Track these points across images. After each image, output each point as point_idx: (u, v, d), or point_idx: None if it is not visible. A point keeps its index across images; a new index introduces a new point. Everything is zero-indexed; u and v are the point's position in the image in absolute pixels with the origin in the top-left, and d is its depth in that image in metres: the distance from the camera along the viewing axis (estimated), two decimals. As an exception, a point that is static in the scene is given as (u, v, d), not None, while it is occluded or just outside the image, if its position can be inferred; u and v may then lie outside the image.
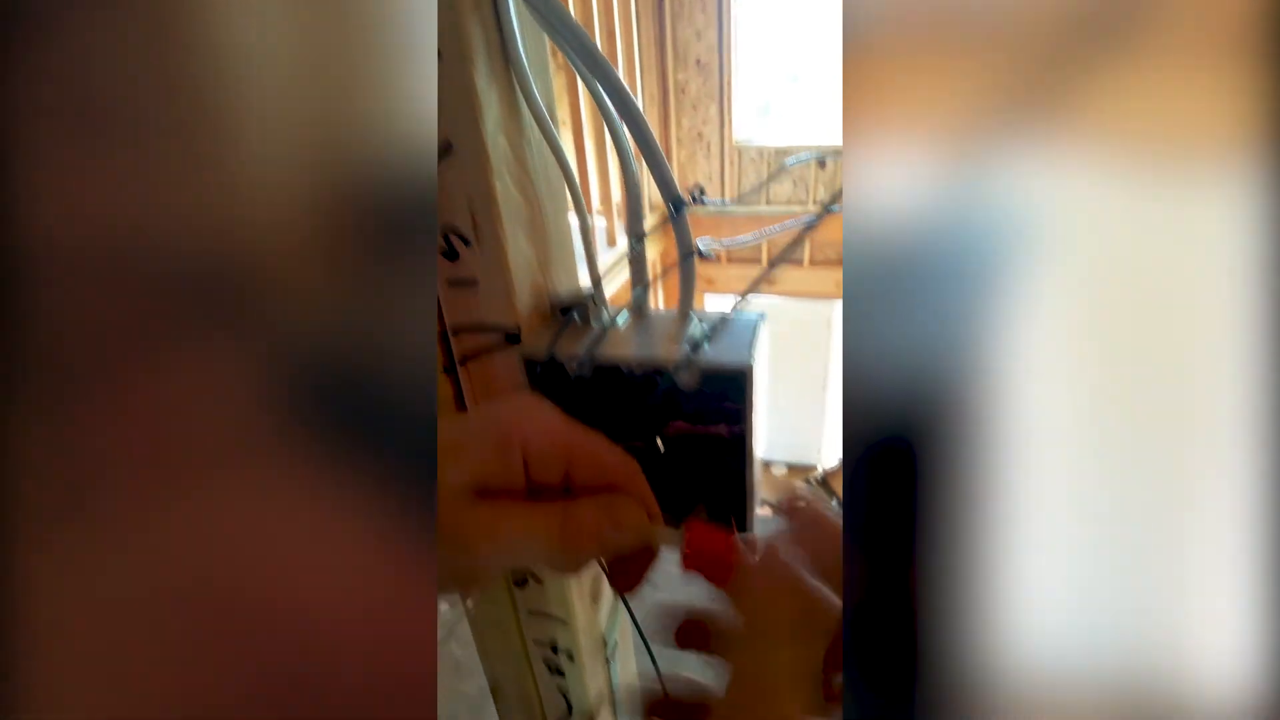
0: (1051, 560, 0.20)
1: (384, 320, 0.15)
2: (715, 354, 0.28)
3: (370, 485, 0.14)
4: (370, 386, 0.15)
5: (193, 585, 0.13)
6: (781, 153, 4.30)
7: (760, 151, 4.51)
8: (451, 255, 0.29)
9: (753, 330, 0.29)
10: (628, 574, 0.27)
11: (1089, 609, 0.20)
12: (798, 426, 5.10)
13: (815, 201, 4.11)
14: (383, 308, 0.15)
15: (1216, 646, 0.19)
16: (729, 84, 4.15)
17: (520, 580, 0.40)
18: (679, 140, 4.42)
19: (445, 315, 0.32)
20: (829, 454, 5.03)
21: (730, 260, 4.49)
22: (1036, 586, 0.20)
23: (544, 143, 0.34)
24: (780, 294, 4.46)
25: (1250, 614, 0.19)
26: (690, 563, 0.25)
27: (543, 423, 0.24)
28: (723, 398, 0.35)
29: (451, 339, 0.32)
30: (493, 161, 0.30)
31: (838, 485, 4.75)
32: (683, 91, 4.30)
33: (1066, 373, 0.20)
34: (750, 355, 0.27)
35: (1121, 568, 0.20)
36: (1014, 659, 0.21)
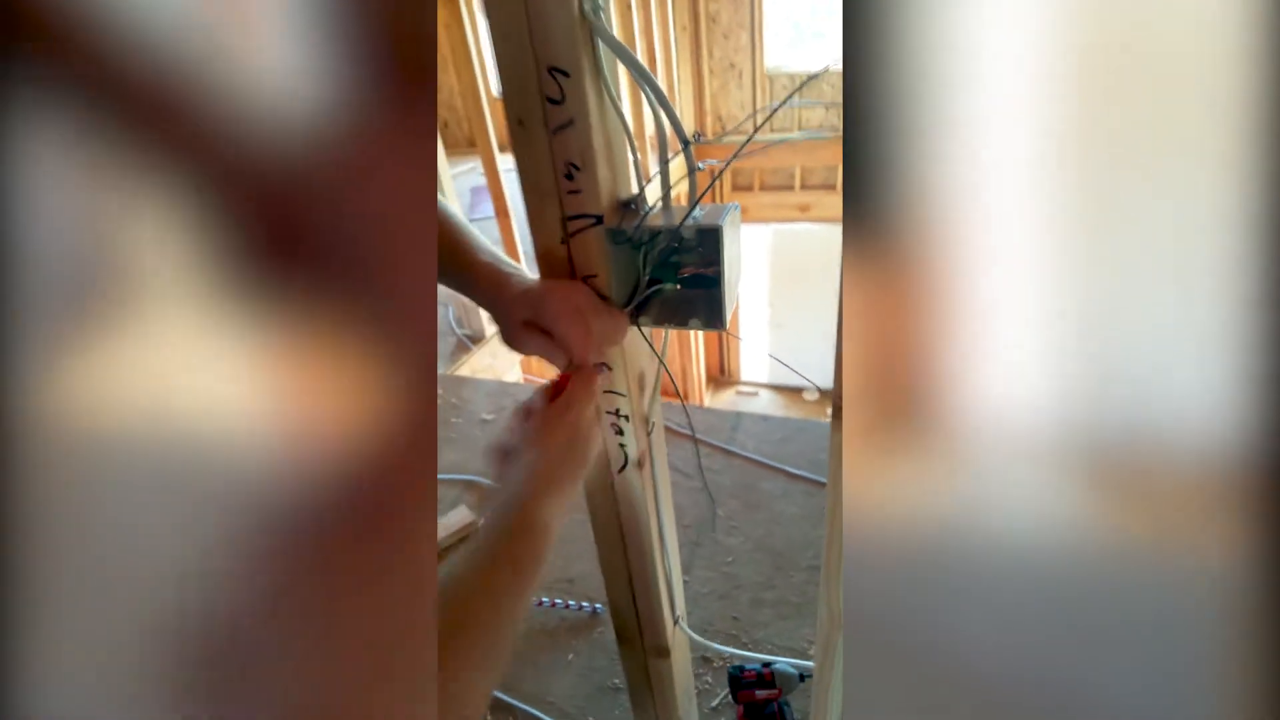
0: (1028, 312, 0.19)
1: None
2: (703, 221, 0.56)
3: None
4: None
5: None
6: (814, 79, 4.39)
7: (792, 78, 4.57)
8: (569, 176, 0.58)
9: (728, 212, 0.58)
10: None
11: (1066, 360, 0.19)
12: (828, 353, 5.30)
13: (843, 128, 4.20)
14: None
15: (1184, 403, 0.18)
16: (760, 11, 4.23)
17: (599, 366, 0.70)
18: (711, 70, 4.53)
19: (564, 208, 0.60)
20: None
21: (763, 189, 4.64)
22: (1014, 338, 0.19)
23: (616, 117, 0.62)
24: (812, 220, 4.62)
25: (1220, 372, 0.17)
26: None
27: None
28: (710, 252, 0.64)
29: (567, 223, 0.61)
30: (593, 128, 0.58)
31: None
32: (714, 20, 4.39)
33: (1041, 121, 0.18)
34: (722, 221, 0.56)
35: (1097, 323, 0.18)
36: (992, 407, 0.19)
